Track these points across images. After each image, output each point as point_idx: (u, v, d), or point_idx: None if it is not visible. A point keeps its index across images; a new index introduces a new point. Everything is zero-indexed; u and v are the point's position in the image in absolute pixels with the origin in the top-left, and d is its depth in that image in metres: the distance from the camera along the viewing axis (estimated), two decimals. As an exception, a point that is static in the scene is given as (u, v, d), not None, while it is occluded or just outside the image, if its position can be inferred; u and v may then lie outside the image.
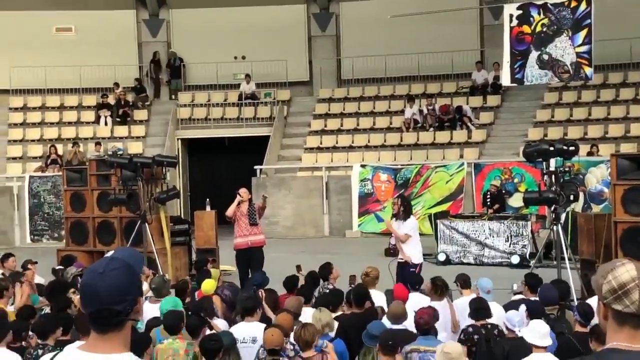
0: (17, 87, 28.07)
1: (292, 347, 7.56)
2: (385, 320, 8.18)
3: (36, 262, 12.21)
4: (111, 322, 3.10)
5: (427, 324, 7.65)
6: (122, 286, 3.11)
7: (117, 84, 27.50)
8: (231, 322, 8.90)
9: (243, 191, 13.69)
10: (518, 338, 7.59)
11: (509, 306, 8.71)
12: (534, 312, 7.95)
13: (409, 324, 8.18)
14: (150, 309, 9.16)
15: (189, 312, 8.48)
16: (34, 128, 27.27)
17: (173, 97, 28.70)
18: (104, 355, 3.08)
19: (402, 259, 12.09)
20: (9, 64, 27.65)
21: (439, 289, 9.16)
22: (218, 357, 7.01)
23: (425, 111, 25.42)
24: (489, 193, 19.26)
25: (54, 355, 3.22)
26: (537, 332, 6.84)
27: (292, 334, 7.71)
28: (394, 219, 12.46)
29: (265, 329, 7.41)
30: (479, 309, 8.10)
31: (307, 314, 8.67)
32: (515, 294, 9.93)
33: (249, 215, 13.41)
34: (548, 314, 8.38)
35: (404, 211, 12.31)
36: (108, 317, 3.09)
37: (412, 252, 12.19)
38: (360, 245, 20.14)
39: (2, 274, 11.94)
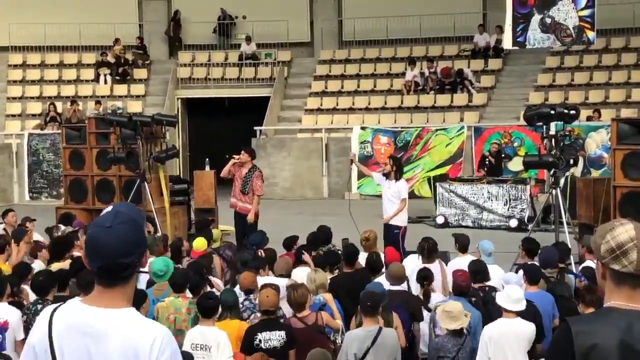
0: (16, 44, 27.90)
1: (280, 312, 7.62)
2: (384, 281, 8.20)
3: (34, 220, 12.21)
4: (119, 275, 3.10)
5: (467, 286, 7.68)
6: (131, 239, 3.10)
7: (117, 40, 27.31)
8: (231, 282, 8.92)
9: (242, 153, 13.48)
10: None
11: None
12: (531, 276, 7.97)
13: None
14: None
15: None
16: (33, 85, 27.15)
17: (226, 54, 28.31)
18: (108, 309, 3.08)
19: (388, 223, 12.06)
20: (8, 21, 27.46)
21: (428, 252, 9.18)
22: (215, 315, 7.04)
23: (426, 74, 25.30)
24: (488, 153, 19.17)
25: (57, 307, 3.20)
26: (509, 297, 6.90)
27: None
28: (385, 178, 12.45)
29: (260, 289, 7.43)
30: (478, 271, 8.12)
31: (301, 275, 8.71)
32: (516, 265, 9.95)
33: (243, 181, 13.26)
34: (548, 276, 8.39)
35: (396, 171, 12.31)
36: (116, 271, 3.08)
37: (393, 210, 12.16)
38: (359, 207, 20.13)
39: (4, 229, 11.96)
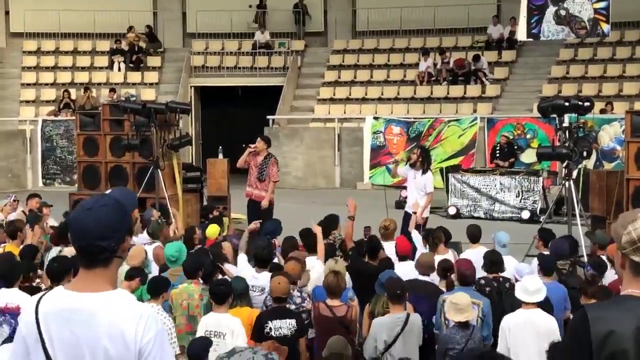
0: (31, 30, 27.93)
1: (299, 294, 7.61)
2: (413, 271, 8.20)
3: (51, 205, 12.26)
4: (97, 258, 3.13)
5: (472, 276, 7.70)
6: (109, 223, 3.14)
7: (131, 27, 27.33)
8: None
9: (258, 141, 13.52)
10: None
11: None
12: (546, 267, 7.94)
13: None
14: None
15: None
16: (47, 72, 27.21)
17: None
18: (92, 293, 3.11)
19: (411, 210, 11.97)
20: (23, 7, 27.53)
21: (432, 244, 9.20)
22: (228, 302, 7.05)
23: (438, 65, 25.23)
24: (498, 145, 19.17)
25: (42, 295, 3.24)
26: (526, 289, 6.90)
27: (300, 281, 7.77)
28: (410, 167, 12.39)
29: (272, 277, 7.44)
30: (493, 262, 8.11)
31: (313, 263, 8.70)
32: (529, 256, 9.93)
33: (259, 168, 13.29)
34: (560, 268, 8.37)
35: (422, 162, 12.24)
36: (94, 253, 3.12)
37: (422, 205, 12.13)
38: (371, 197, 20.12)
39: (23, 211, 12.02)
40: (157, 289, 7.20)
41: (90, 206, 3.17)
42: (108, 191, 3.44)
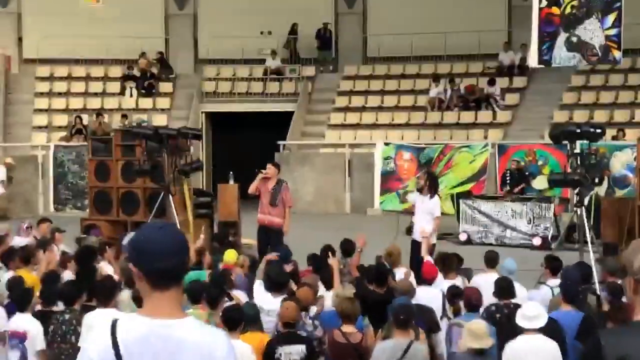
0: (44, 56, 28.18)
1: (311, 322, 7.61)
2: (438, 296, 8.22)
3: (64, 231, 12.31)
4: (176, 274, 3.16)
5: (478, 301, 7.71)
6: (181, 239, 3.19)
7: (143, 53, 27.55)
8: (250, 293, 8.93)
9: (269, 167, 13.57)
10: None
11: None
12: (568, 294, 7.90)
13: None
14: None
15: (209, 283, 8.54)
16: (59, 98, 27.41)
17: (322, 68, 28.28)
18: (170, 320, 3.11)
19: (420, 237, 11.95)
20: (37, 34, 27.81)
21: (445, 269, 9.22)
22: (240, 328, 7.06)
23: (449, 92, 25.30)
24: (508, 172, 19.18)
25: (116, 319, 3.19)
26: (525, 315, 6.91)
27: (314, 307, 7.76)
28: (418, 193, 12.42)
29: (282, 302, 7.44)
30: (504, 288, 8.11)
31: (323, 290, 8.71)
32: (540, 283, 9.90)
33: (272, 194, 13.33)
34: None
35: (429, 187, 12.26)
36: (173, 269, 3.13)
37: (430, 231, 12.10)
38: (381, 223, 20.12)
39: (34, 237, 12.07)
40: None
41: (161, 226, 3.23)
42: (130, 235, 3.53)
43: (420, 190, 12.41)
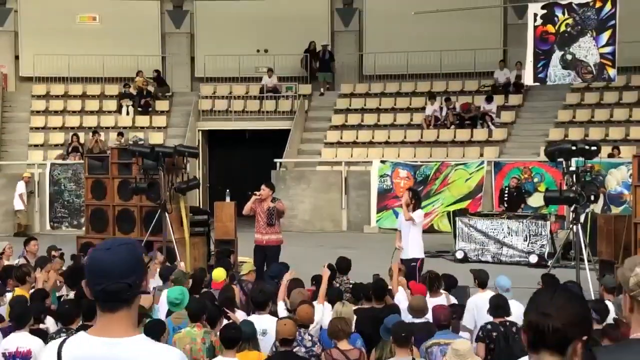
0: (40, 74, 28.24)
1: (310, 338, 7.61)
2: (406, 314, 8.22)
3: (60, 249, 12.29)
4: (122, 297, 3.10)
5: (446, 319, 7.73)
6: (131, 260, 3.14)
7: (139, 72, 27.61)
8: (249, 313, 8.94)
9: (263, 188, 13.55)
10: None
11: None
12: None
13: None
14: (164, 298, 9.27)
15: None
16: (56, 116, 27.43)
17: (323, 90, 28.04)
18: (117, 339, 3.07)
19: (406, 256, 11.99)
20: (33, 52, 27.83)
21: (432, 285, 9.24)
22: (237, 346, 7.05)
23: (444, 110, 25.38)
24: (506, 189, 19.24)
25: (64, 340, 3.19)
26: None
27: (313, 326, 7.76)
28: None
29: (279, 319, 7.45)
30: (499, 306, 8.11)
31: (322, 307, 8.71)
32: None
33: (267, 214, 13.34)
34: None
35: (414, 204, 12.36)
36: (119, 292, 3.08)
37: (413, 244, 12.15)
38: (378, 241, 20.13)
39: (25, 257, 12.05)
40: (153, 332, 7.13)
41: (109, 246, 3.17)
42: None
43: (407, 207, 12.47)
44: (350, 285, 10.07)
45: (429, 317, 8.31)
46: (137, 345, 3.08)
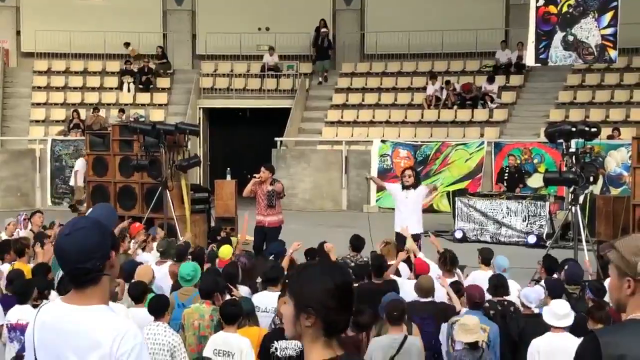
0: (41, 50, 28.19)
1: None
2: (413, 293, 8.25)
3: (62, 225, 12.32)
4: (83, 279, 3.26)
5: (481, 298, 7.76)
6: (88, 245, 3.25)
7: (127, 44, 27.56)
8: (253, 289, 9.00)
9: (262, 171, 13.56)
10: (533, 315, 7.65)
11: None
12: (553, 291, 7.98)
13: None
14: (157, 271, 9.33)
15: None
16: (57, 92, 27.42)
17: (322, 79, 27.54)
18: (81, 306, 3.25)
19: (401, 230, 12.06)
20: (34, 27, 27.76)
21: (448, 264, 9.28)
22: (238, 322, 7.12)
23: (445, 92, 25.36)
24: (507, 168, 19.28)
25: (42, 306, 3.45)
26: (556, 314, 6.86)
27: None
28: (400, 188, 12.59)
29: (280, 296, 7.51)
30: (498, 285, 8.17)
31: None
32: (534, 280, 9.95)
33: (267, 196, 13.38)
34: (571, 292, 8.41)
35: (415, 182, 12.46)
36: (80, 276, 3.25)
37: (414, 219, 12.26)
38: (377, 220, 20.17)
39: (31, 230, 12.12)
40: (156, 309, 7.21)
41: (68, 231, 3.29)
42: (89, 211, 3.60)
43: (408, 187, 12.51)
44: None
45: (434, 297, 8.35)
46: (92, 314, 3.25)
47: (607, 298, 7.88)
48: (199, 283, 8.16)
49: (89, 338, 3.21)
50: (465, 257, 11.05)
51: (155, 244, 11.35)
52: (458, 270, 9.58)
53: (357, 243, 10.68)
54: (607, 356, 2.97)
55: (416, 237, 12.02)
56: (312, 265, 3.21)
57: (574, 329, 7.09)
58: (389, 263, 9.48)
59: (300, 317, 2.86)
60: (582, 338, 6.31)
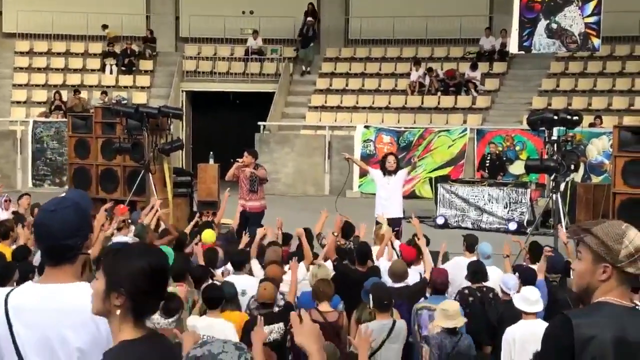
0: (23, 31, 27.99)
1: (281, 297, 7.74)
2: (386, 278, 8.33)
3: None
4: (64, 256, 3.31)
5: (443, 284, 7.84)
6: (73, 223, 3.31)
7: (105, 26, 27.49)
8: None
9: (245, 155, 13.59)
10: (512, 301, 7.73)
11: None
12: (526, 279, 8.09)
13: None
14: None
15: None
16: (39, 73, 27.26)
17: (305, 68, 27.28)
18: (61, 284, 3.28)
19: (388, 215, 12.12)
20: (16, 8, 27.58)
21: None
22: (220, 306, 7.16)
23: (428, 79, 25.40)
24: (488, 156, 19.38)
25: (10, 290, 3.39)
26: (527, 299, 6.99)
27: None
28: (382, 174, 12.72)
29: (260, 283, 7.57)
30: (477, 272, 8.24)
31: (302, 270, 8.82)
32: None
33: (249, 181, 13.42)
34: (551, 281, 8.49)
35: (397, 167, 12.67)
36: (61, 252, 3.29)
37: (395, 203, 12.41)
38: (360, 205, 20.23)
39: (13, 212, 12.09)
40: None
41: (53, 208, 3.35)
42: (63, 194, 3.65)
43: (390, 173, 12.65)
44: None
45: (408, 281, 8.44)
46: (78, 291, 3.28)
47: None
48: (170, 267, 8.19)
49: (82, 312, 3.20)
50: (448, 243, 11.12)
51: (133, 227, 11.35)
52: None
53: (347, 229, 10.71)
54: (578, 337, 3.02)
55: (397, 222, 12.13)
56: (129, 246, 3.33)
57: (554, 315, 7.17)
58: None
59: (111, 295, 2.93)
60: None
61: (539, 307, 6.99)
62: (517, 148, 21.26)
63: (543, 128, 12.20)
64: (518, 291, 7.58)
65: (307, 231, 9.99)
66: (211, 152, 16.56)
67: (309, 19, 27.22)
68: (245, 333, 7.03)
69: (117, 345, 2.95)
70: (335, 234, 9.84)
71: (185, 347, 3.39)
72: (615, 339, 3.04)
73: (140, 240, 9.99)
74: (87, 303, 3.18)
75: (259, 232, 9.72)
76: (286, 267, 8.42)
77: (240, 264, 8.59)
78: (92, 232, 3.53)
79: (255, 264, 8.92)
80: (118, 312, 2.93)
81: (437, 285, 7.85)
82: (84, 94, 25.59)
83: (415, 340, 7.54)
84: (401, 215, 12.57)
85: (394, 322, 7.14)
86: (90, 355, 3.21)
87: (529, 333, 6.82)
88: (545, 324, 6.76)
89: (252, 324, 7.05)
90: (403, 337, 7.25)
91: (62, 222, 3.29)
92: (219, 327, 6.93)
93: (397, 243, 10.35)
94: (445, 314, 7.06)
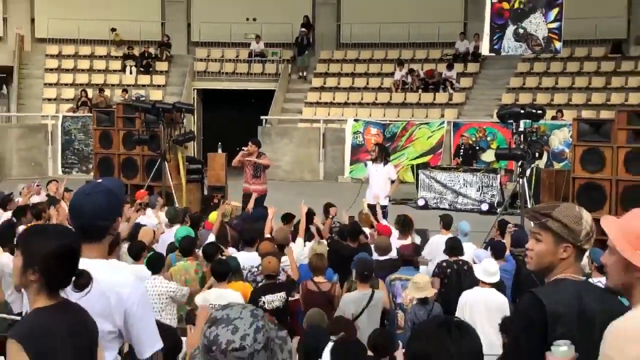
0: (53, 36, 27.87)
1: (282, 270, 7.76)
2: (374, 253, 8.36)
3: (72, 191, 12.30)
4: (94, 235, 3.30)
5: (410, 256, 7.86)
6: (104, 206, 3.30)
7: (113, 29, 27.48)
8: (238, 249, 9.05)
9: (250, 144, 13.55)
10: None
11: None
12: (496, 251, 8.12)
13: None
14: (166, 234, 9.35)
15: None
16: (67, 73, 27.15)
17: (302, 73, 26.91)
18: (89, 259, 3.26)
19: (374, 200, 12.14)
20: (47, 16, 27.48)
21: (405, 228, 9.38)
22: (227, 278, 7.17)
23: (410, 78, 25.35)
24: (462, 146, 19.37)
25: None
26: (486, 270, 7.03)
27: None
28: (371, 163, 12.74)
29: (263, 257, 7.57)
30: (454, 247, 8.26)
31: (300, 245, 8.83)
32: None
33: (253, 167, 13.41)
34: (517, 255, 8.52)
35: (380, 156, 12.77)
36: (92, 232, 3.29)
37: (384, 192, 12.43)
38: (350, 189, 20.22)
39: (47, 195, 12.09)
40: (154, 265, 7.24)
41: (89, 192, 3.34)
42: (99, 180, 3.63)
43: (374, 161, 12.70)
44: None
45: (393, 255, 8.45)
46: (103, 266, 3.29)
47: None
48: (178, 243, 8.20)
49: (109, 285, 3.23)
50: (427, 222, 11.16)
51: (149, 210, 11.33)
52: (415, 235, 9.67)
53: (327, 208, 10.70)
54: (550, 314, 2.94)
55: (383, 207, 12.15)
56: (43, 226, 3.35)
57: (522, 287, 7.23)
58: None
59: (27, 272, 2.97)
60: (502, 293, 6.39)
61: (496, 278, 7.03)
62: (489, 138, 21.23)
63: (511, 121, 12.17)
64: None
65: (310, 211, 10.01)
66: (219, 143, 16.52)
67: (303, 29, 27.11)
68: (252, 302, 7.05)
69: (31, 312, 3.02)
70: (332, 217, 9.87)
71: (200, 320, 3.37)
72: (579, 312, 2.98)
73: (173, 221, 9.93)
74: (114, 277, 3.24)
75: (270, 211, 9.71)
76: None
77: (252, 241, 8.55)
78: (121, 217, 3.49)
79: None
80: (34, 286, 2.98)
81: (405, 257, 7.91)
82: (107, 92, 25.57)
83: (391, 308, 7.56)
84: (386, 203, 12.57)
85: (373, 291, 7.12)
86: (100, 322, 3.21)
87: (479, 299, 6.90)
88: (497, 293, 6.83)
89: (259, 293, 7.08)
90: (382, 306, 7.23)
91: (94, 204, 3.27)
92: (229, 296, 6.93)
93: (384, 222, 10.38)
94: (417, 286, 7.08)
